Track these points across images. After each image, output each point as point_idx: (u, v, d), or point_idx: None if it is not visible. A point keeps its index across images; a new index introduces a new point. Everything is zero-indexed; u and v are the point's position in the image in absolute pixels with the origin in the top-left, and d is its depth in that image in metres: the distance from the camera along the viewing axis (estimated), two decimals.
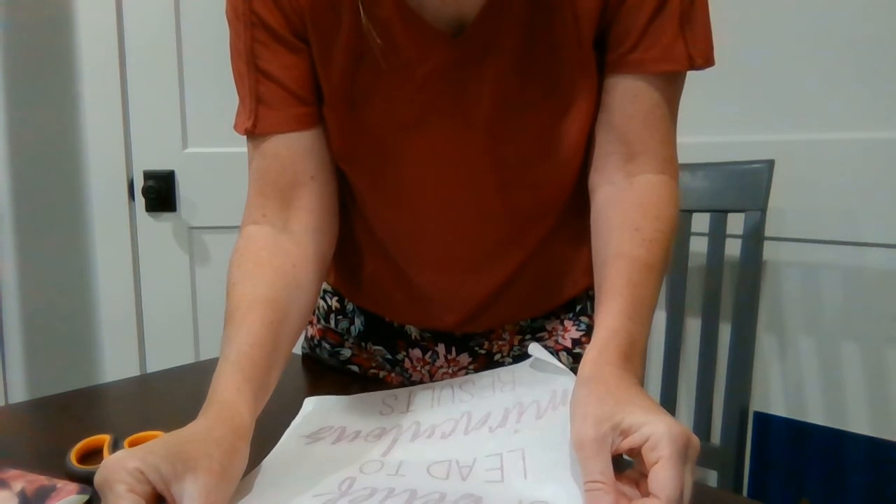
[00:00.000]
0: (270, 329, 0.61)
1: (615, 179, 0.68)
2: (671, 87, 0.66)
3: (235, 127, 0.70)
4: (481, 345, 0.83)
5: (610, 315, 0.59)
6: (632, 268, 0.62)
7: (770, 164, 1.14)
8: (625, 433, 0.47)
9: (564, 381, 0.63)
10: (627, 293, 0.60)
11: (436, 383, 0.72)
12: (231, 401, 0.55)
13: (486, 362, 0.83)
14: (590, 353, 0.56)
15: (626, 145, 0.67)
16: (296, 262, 0.67)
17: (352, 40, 0.65)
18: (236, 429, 0.53)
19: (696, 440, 0.47)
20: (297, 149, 0.69)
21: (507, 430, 0.60)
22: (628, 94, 0.66)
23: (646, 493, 0.46)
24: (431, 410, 0.66)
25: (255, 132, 0.68)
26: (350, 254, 0.82)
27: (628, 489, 0.48)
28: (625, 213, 0.66)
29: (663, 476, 0.44)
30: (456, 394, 0.68)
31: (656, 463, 0.45)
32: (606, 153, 0.69)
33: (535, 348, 0.69)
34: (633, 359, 0.57)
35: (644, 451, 0.46)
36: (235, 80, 0.69)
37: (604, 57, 0.67)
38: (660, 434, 0.45)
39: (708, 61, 0.65)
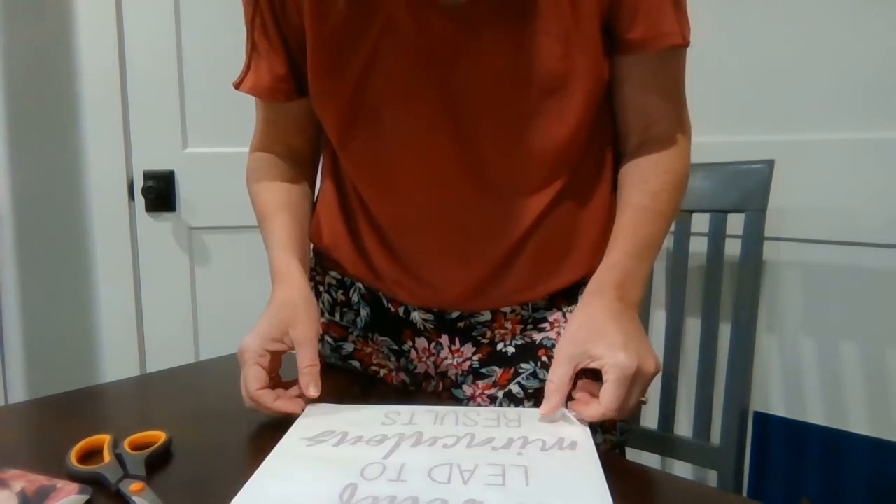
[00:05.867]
0: (298, 223, 0.83)
1: (636, 148, 0.78)
2: (678, 60, 0.76)
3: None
4: (484, 334, 0.84)
5: (610, 253, 0.73)
6: (636, 214, 0.74)
7: (770, 164, 1.14)
8: (591, 358, 0.66)
9: (574, 431, 0.64)
10: (629, 233, 0.73)
11: (439, 407, 0.72)
12: (293, 272, 0.77)
13: (490, 352, 0.84)
14: (589, 286, 0.72)
15: (647, 116, 0.77)
16: (296, 178, 0.87)
17: (353, 16, 0.70)
18: (301, 289, 0.76)
19: (648, 368, 0.64)
20: (292, 111, 0.83)
21: (511, 452, 0.60)
22: (647, 71, 0.75)
23: None
24: (434, 426, 0.66)
25: (243, 89, 0.82)
26: (354, 238, 0.85)
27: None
28: (638, 171, 0.77)
29: (606, 394, 0.64)
30: (459, 419, 0.68)
31: (605, 383, 0.64)
32: (631, 129, 0.79)
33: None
34: (626, 286, 0.71)
35: (602, 374, 0.65)
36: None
37: (613, 40, 0.73)
38: (610, 364, 0.64)
39: (687, 40, 0.75)
